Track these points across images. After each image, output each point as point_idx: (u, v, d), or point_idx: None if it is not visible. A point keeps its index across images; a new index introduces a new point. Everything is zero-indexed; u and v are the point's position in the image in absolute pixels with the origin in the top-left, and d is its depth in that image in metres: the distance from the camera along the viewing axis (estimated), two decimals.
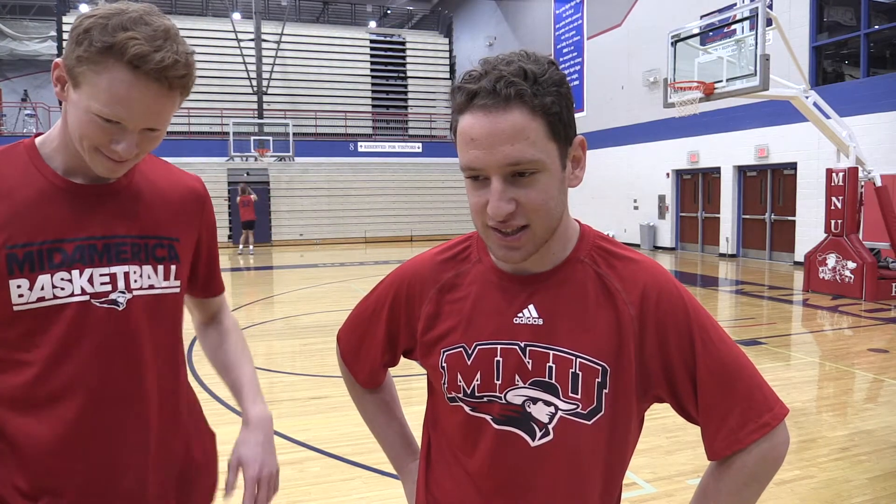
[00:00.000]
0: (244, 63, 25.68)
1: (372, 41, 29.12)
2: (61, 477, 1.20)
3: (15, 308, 1.16)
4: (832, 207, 10.35)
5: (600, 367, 1.04)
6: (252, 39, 26.13)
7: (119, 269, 1.24)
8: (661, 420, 4.63)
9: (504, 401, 1.07)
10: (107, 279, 1.22)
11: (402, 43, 29.63)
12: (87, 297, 1.20)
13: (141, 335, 1.26)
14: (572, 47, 22.58)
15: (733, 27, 10.56)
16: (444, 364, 1.12)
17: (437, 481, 1.19)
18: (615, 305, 1.06)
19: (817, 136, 11.67)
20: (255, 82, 25.95)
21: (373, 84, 28.49)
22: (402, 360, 1.30)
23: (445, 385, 1.12)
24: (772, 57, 9.60)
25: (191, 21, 27.69)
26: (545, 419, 1.06)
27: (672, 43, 11.19)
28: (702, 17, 13.51)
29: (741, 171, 16.08)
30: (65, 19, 23.81)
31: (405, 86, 28.92)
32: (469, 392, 1.09)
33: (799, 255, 13.56)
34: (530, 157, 0.94)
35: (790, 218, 14.64)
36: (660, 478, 3.72)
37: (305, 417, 4.88)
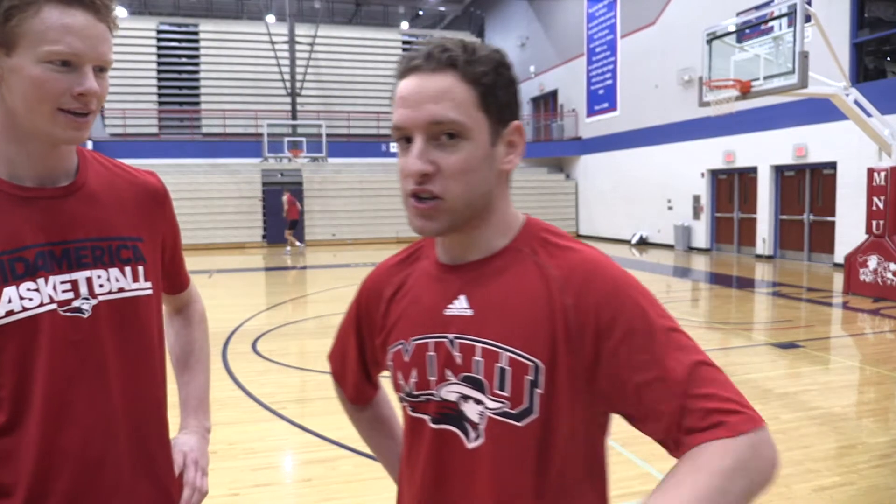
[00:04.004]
0: (278, 65, 26.00)
1: (404, 42, 29.25)
2: (40, 498, 1.13)
3: None
4: (874, 208, 10.10)
5: (532, 364, 0.95)
6: (286, 41, 26.44)
7: (80, 275, 1.17)
8: None
9: (439, 398, 1.02)
10: (68, 286, 1.15)
11: None
12: (53, 306, 1.13)
13: (108, 343, 1.19)
14: (605, 46, 22.39)
15: (770, 24, 10.37)
16: (390, 362, 1.09)
17: (402, 492, 1.15)
18: (550, 297, 0.97)
19: (858, 134, 11.39)
20: (288, 84, 26.26)
21: None
22: None
23: (393, 386, 1.10)
24: (811, 54, 9.41)
25: (225, 24, 28.13)
26: (476, 419, 0.99)
27: (707, 41, 11.03)
28: (738, 14, 13.29)
29: (779, 170, 15.78)
30: None
31: None
32: (408, 391, 1.06)
33: (839, 256, 13.26)
34: (453, 117, 0.94)
35: (829, 218, 14.33)
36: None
37: (338, 416, 4.88)
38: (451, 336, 1.01)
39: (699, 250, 18.33)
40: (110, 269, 1.21)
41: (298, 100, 26.47)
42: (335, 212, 23.04)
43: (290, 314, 9.77)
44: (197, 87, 27.07)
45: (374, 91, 27.86)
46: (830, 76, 10.12)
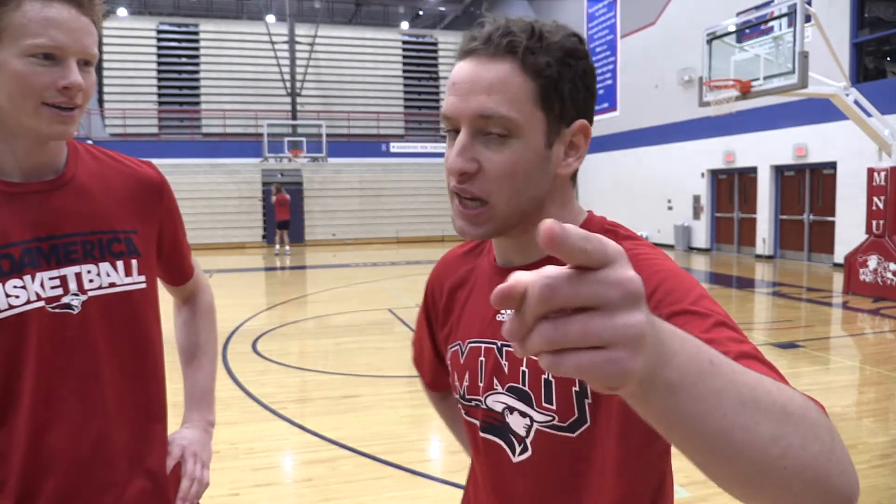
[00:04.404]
0: (278, 65, 25.99)
1: (404, 42, 29.23)
2: (30, 496, 1.13)
3: None
4: (874, 208, 10.09)
5: None
6: (286, 41, 26.43)
7: (69, 271, 1.15)
8: None
9: (485, 406, 0.99)
10: (57, 282, 1.14)
11: (434, 43, 29.68)
12: (41, 304, 1.13)
13: (100, 339, 1.18)
14: (605, 46, 22.39)
15: (770, 24, 10.37)
16: (449, 361, 1.07)
17: (473, 486, 1.14)
18: None
19: (858, 134, 11.39)
20: (288, 84, 26.25)
21: (405, 85, 28.60)
22: None
23: (451, 385, 1.08)
24: (811, 54, 9.40)
25: (225, 24, 28.11)
26: (522, 432, 0.94)
27: (708, 41, 11.03)
28: (738, 14, 13.28)
29: (779, 170, 15.77)
30: None
31: (437, 86, 28.98)
32: (461, 394, 1.03)
33: (839, 256, 13.25)
34: (503, 113, 0.84)
35: (829, 218, 14.32)
36: (694, 482, 3.67)
37: (338, 416, 4.92)
38: (499, 343, 0.96)
39: (699, 250, 18.33)
40: (101, 264, 1.19)
41: (298, 100, 26.46)
42: (335, 212, 23.04)
43: (290, 314, 9.77)
44: (197, 87, 27.05)
45: (374, 91, 27.84)
46: (830, 76, 10.11)
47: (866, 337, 7.91)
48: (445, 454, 4.27)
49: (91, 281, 1.18)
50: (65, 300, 1.15)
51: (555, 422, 0.91)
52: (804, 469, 0.55)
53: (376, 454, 4.15)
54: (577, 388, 0.89)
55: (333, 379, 6.03)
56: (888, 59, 14.20)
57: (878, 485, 3.68)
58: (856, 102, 9.84)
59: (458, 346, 1.04)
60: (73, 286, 1.15)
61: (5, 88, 1.07)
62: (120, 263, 1.21)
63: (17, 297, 1.10)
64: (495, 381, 0.97)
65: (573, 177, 0.96)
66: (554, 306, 0.44)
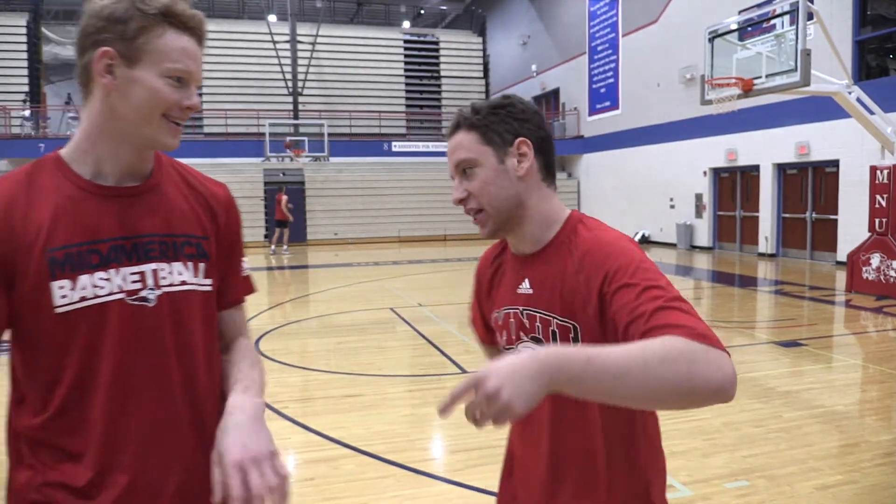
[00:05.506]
0: (280, 64, 26.00)
1: (406, 41, 29.22)
2: (105, 475, 1.23)
3: (57, 310, 1.20)
4: (876, 206, 10.08)
5: (571, 326, 1.33)
6: (287, 41, 26.44)
7: (147, 267, 1.28)
8: (697, 422, 4.56)
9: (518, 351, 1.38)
10: (137, 277, 1.27)
11: (436, 43, 29.67)
12: (122, 295, 1.26)
13: (169, 331, 1.29)
14: (607, 45, 22.36)
15: (773, 22, 10.35)
16: (493, 325, 1.53)
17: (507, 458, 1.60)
18: (576, 273, 1.33)
19: (860, 132, 11.38)
20: (290, 83, 26.25)
21: (406, 84, 28.59)
22: None
23: (499, 339, 1.52)
24: (813, 52, 9.38)
25: (227, 24, 28.12)
26: None
27: (709, 39, 11.01)
28: (740, 12, 13.27)
29: (781, 168, 15.75)
30: None
31: (439, 85, 28.97)
32: (503, 345, 1.48)
33: (841, 254, 13.24)
34: (464, 157, 1.37)
35: (832, 217, 14.30)
36: (696, 480, 3.67)
37: (340, 415, 4.92)
38: (520, 308, 1.42)
39: (701, 249, 18.31)
40: (174, 263, 1.32)
41: (300, 99, 26.46)
42: (337, 211, 23.04)
43: (292, 313, 9.77)
44: (199, 87, 27.06)
45: (375, 90, 27.84)
46: (833, 74, 10.09)
47: (869, 335, 7.90)
48: (447, 453, 4.27)
49: (164, 278, 1.30)
50: (142, 294, 1.28)
51: None
52: (673, 389, 1.01)
53: (378, 453, 4.15)
54: (573, 335, 1.33)
55: (336, 378, 6.03)
56: (891, 56, 14.17)
57: (880, 483, 3.67)
58: (858, 100, 9.83)
59: (497, 314, 1.50)
60: (150, 281, 1.28)
61: (136, 100, 1.23)
62: (190, 264, 1.34)
63: (101, 287, 1.24)
64: (521, 334, 1.42)
65: (548, 178, 1.41)
66: (470, 413, 0.98)
